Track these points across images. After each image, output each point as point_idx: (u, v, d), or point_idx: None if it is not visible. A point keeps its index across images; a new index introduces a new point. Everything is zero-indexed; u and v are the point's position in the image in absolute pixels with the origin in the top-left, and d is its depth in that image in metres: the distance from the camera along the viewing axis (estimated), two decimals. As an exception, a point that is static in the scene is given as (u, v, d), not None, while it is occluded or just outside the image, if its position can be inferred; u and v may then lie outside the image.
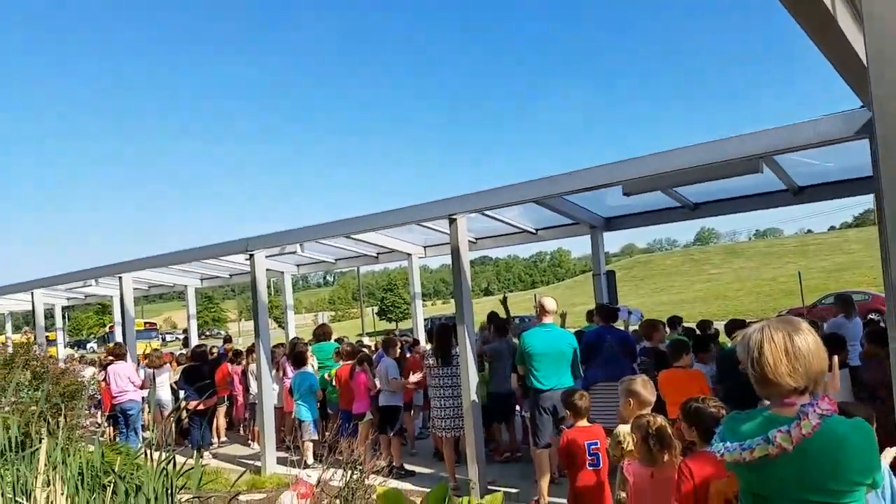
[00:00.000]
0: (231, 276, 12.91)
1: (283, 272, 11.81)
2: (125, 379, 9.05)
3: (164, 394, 9.76)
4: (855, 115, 4.13)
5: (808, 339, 1.87)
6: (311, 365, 8.48)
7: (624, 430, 4.00)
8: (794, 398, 1.86)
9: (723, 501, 2.78)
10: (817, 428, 1.76)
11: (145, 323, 39.92)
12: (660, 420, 3.49)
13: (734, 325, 6.14)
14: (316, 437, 8.05)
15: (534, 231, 9.01)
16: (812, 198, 7.31)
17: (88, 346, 51.10)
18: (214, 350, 11.18)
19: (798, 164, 6.19)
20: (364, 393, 7.48)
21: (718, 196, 7.70)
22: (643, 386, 4.08)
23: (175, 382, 9.94)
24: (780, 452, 1.79)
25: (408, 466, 7.33)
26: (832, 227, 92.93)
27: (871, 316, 12.87)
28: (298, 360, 8.24)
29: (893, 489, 2.03)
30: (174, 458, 4.02)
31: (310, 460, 7.82)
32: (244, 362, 10.00)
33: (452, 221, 6.35)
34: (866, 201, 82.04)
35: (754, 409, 2.03)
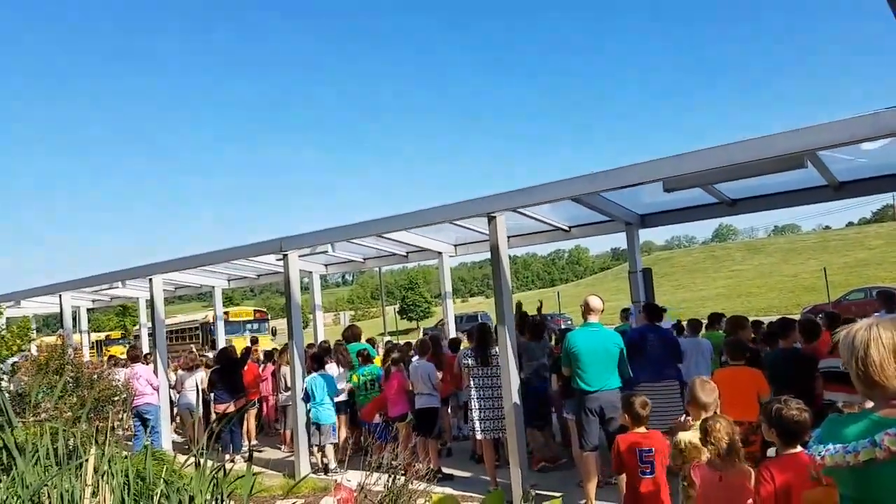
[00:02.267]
0: (259, 276, 12.90)
1: (311, 272, 11.78)
2: (143, 382, 9.03)
3: (193, 397, 9.74)
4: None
5: None
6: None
7: (684, 437, 3.90)
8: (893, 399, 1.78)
9: None
10: None
11: (255, 311, 31.50)
12: (726, 425, 3.39)
13: (785, 324, 5.97)
14: (336, 441, 8.00)
15: (567, 228, 8.88)
16: (851, 193, 7.15)
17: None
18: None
19: (836, 161, 6.03)
20: (401, 394, 7.41)
21: (758, 192, 7.52)
22: (701, 388, 3.99)
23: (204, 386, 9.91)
24: (888, 456, 1.71)
25: (445, 470, 7.24)
26: (850, 223, 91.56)
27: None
28: (318, 361, 8.14)
29: None
30: (224, 467, 3.96)
31: (332, 465, 7.78)
32: (276, 363, 9.98)
33: (491, 219, 6.24)
34: (886, 197, 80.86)
35: (858, 412, 1.94)
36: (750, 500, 3.18)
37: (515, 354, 6.30)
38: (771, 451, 3.49)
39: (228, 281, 13.41)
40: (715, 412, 3.85)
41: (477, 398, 6.59)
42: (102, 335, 42.43)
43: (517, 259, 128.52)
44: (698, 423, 3.75)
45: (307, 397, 7.87)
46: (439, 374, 7.54)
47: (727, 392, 5.08)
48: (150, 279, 10.04)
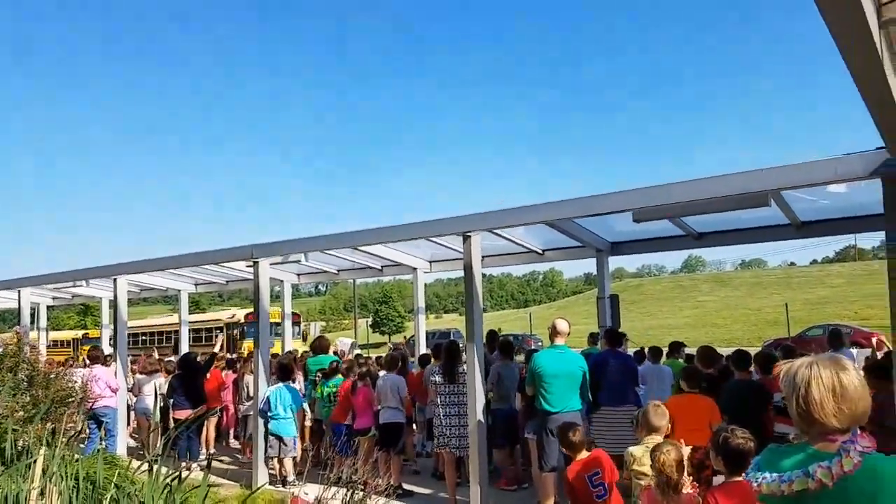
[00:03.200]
0: (227, 282, 12.77)
1: (283, 280, 11.72)
2: (102, 384, 8.86)
3: (151, 402, 9.57)
4: (872, 157, 4.20)
5: (854, 380, 1.86)
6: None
7: (634, 450, 4.00)
8: (835, 435, 1.85)
9: None
10: (859, 466, 1.76)
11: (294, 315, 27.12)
12: (674, 454, 3.48)
13: (741, 356, 6.16)
14: (297, 455, 7.94)
15: (540, 251, 9.01)
16: (813, 233, 7.38)
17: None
18: (201, 359, 11.01)
19: (799, 200, 6.25)
20: (366, 408, 7.41)
21: (724, 227, 7.74)
22: (654, 412, 4.10)
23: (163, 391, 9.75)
24: (819, 487, 1.79)
25: (406, 486, 7.24)
26: (814, 261, 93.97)
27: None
28: (284, 372, 8.07)
29: None
30: (180, 474, 3.91)
31: (290, 477, 7.73)
32: (238, 371, 9.88)
33: (466, 238, 6.35)
34: (849, 238, 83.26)
35: (795, 444, 2.03)
36: None
37: (483, 372, 6.39)
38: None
39: (196, 285, 13.23)
40: (665, 438, 3.97)
41: (442, 415, 6.63)
42: (80, 333, 40.69)
43: (493, 278, 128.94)
44: (648, 439, 3.89)
45: (266, 408, 7.78)
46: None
47: (683, 418, 5.23)
48: (115, 279, 9.89)
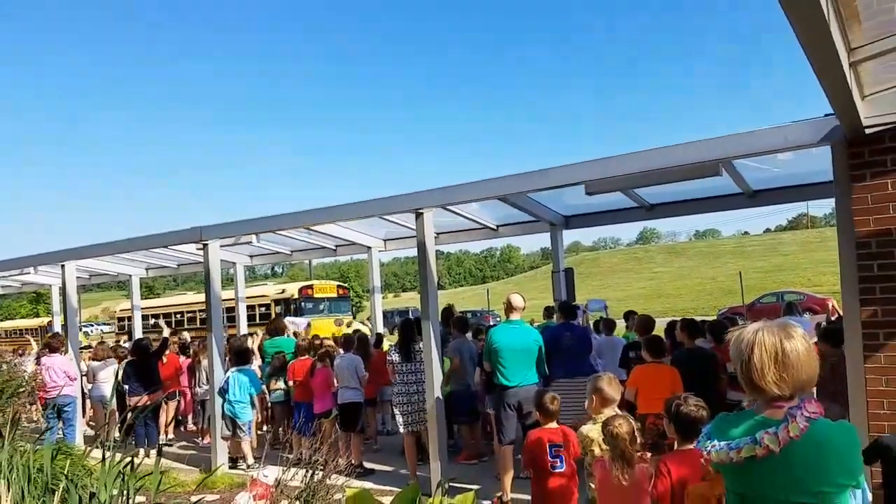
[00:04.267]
0: (179, 265, 12.46)
1: (235, 263, 11.46)
2: (60, 373, 8.65)
3: (107, 389, 9.34)
4: (821, 123, 4.25)
5: (798, 347, 1.86)
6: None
7: (587, 430, 4.03)
8: (782, 402, 1.87)
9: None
10: (805, 431, 1.78)
11: (338, 287, 26.70)
12: (625, 426, 3.51)
13: (692, 325, 6.28)
14: (252, 439, 7.86)
15: (495, 227, 8.99)
16: (764, 201, 7.49)
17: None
18: (155, 343, 10.76)
19: (751, 169, 6.35)
20: (325, 390, 7.34)
21: (675, 198, 7.81)
22: (608, 383, 4.13)
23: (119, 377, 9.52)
24: (766, 454, 1.81)
25: (367, 465, 7.23)
26: (767, 230, 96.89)
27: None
28: (240, 357, 7.95)
29: (864, 491, 2.07)
30: (132, 461, 3.80)
31: (249, 461, 7.64)
32: (193, 356, 9.67)
33: (419, 216, 6.27)
34: (801, 206, 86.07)
35: (744, 411, 2.04)
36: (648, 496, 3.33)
37: (439, 349, 6.37)
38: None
39: (147, 270, 12.89)
40: (617, 410, 4.01)
41: (400, 393, 6.60)
42: (45, 321, 39.10)
43: (450, 256, 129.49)
44: (600, 416, 3.91)
45: (223, 391, 7.67)
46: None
47: (648, 388, 5.32)
48: (63, 265, 9.56)
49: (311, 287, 25.05)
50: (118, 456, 3.84)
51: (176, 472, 7.41)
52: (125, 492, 3.65)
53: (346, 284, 29.41)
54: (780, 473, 1.82)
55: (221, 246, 8.30)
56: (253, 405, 7.76)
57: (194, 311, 26.57)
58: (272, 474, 5.40)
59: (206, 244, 7.84)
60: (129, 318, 25.49)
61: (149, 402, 8.50)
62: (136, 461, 3.98)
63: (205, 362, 9.07)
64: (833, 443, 1.80)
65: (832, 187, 4.37)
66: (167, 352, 9.85)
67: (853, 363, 4.14)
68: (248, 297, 24.62)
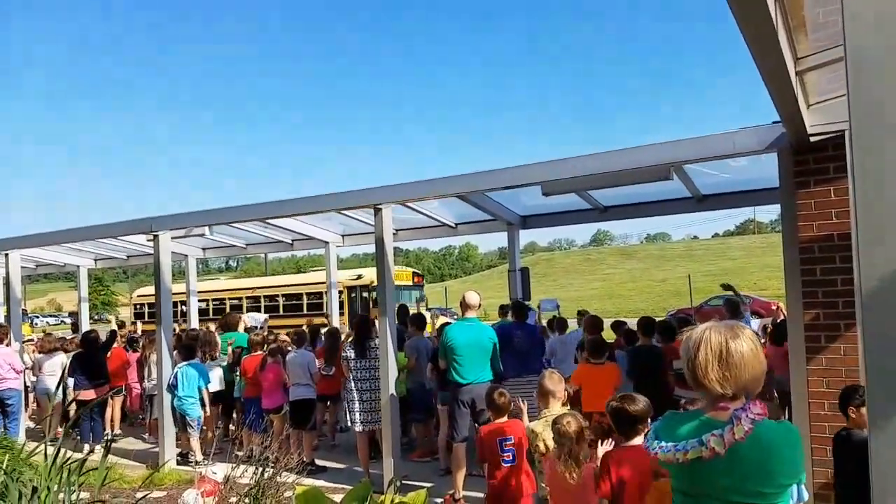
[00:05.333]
0: (128, 257, 12.09)
1: (186, 255, 11.19)
2: (5, 366, 8.33)
3: (52, 382, 9.01)
4: (768, 130, 4.40)
5: (743, 348, 1.89)
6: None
7: (533, 425, 4.08)
8: (727, 402, 1.90)
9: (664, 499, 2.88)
10: (749, 433, 1.81)
11: (414, 275, 24.08)
12: (574, 424, 3.56)
13: (644, 323, 6.47)
14: (199, 434, 7.71)
15: (454, 225, 9.02)
16: (713, 206, 7.71)
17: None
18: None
19: (701, 174, 6.53)
20: (276, 386, 7.22)
21: (627, 201, 7.97)
22: (549, 378, 4.19)
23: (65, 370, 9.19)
24: (712, 455, 1.83)
25: (319, 462, 7.15)
26: (716, 234, 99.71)
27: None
28: (187, 351, 7.79)
29: (801, 490, 2.13)
30: (83, 458, 3.68)
31: (199, 457, 7.49)
32: (141, 350, 9.41)
33: (378, 211, 6.24)
34: (748, 212, 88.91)
35: (691, 410, 2.08)
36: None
37: (395, 346, 6.35)
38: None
39: (95, 261, 12.47)
40: (568, 407, 4.07)
41: (356, 390, 6.55)
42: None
43: (409, 253, 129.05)
44: (546, 411, 3.98)
45: (171, 387, 7.51)
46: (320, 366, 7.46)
47: (591, 386, 5.43)
48: (7, 254, 9.19)
49: None
50: (62, 451, 3.72)
51: (122, 468, 7.22)
52: (68, 488, 3.53)
53: (419, 271, 26.38)
54: (724, 474, 1.85)
55: (173, 238, 8.10)
56: (202, 400, 7.59)
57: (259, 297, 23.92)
58: (221, 471, 5.32)
59: (157, 235, 7.64)
60: (146, 305, 24.04)
61: (95, 397, 8.27)
62: (81, 457, 3.87)
63: (154, 356, 8.84)
64: (777, 444, 1.84)
65: (778, 194, 4.53)
66: (114, 345, 9.59)
67: (796, 365, 4.29)
68: (313, 283, 22.31)
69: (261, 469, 4.85)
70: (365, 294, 21.30)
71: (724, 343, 1.90)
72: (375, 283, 19.61)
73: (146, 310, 24.55)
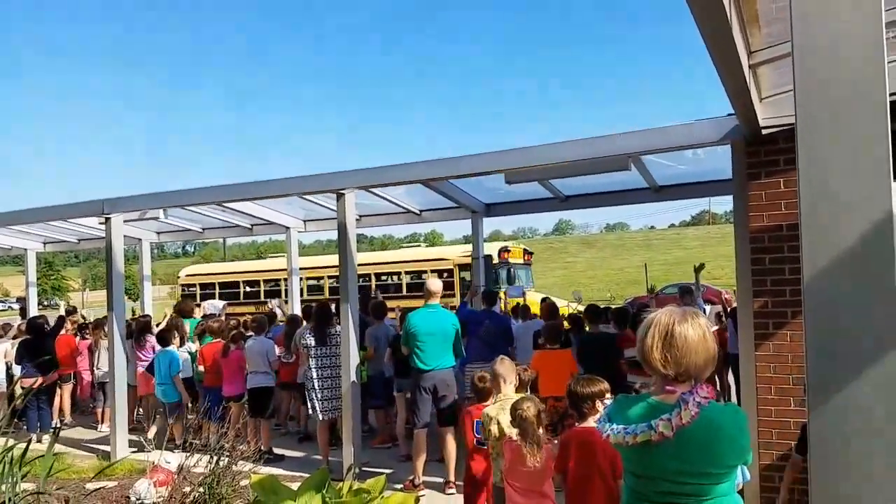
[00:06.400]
0: (79, 240, 11.70)
1: (140, 239, 10.87)
2: None
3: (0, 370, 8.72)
4: (723, 123, 4.50)
5: (688, 332, 1.93)
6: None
7: (489, 411, 4.12)
8: (674, 385, 1.95)
9: None
10: (696, 417, 1.86)
11: (524, 252, 21.16)
12: (532, 409, 3.62)
13: (594, 310, 6.66)
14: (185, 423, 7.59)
15: (418, 212, 8.99)
16: (669, 196, 7.87)
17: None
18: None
19: (658, 165, 6.65)
20: (238, 373, 7.12)
21: (587, 190, 8.08)
22: (500, 363, 4.25)
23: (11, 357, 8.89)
24: (661, 439, 1.89)
25: (277, 450, 7.08)
26: (672, 225, 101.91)
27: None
28: (163, 337, 7.67)
29: (744, 471, 2.21)
30: (26, 445, 3.56)
31: (177, 441, 7.36)
32: (91, 337, 9.16)
33: (340, 196, 6.19)
34: (704, 202, 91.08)
35: (641, 394, 2.13)
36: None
37: (357, 333, 6.33)
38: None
39: (44, 244, 12.06)
40: (523, 393, 4.13)
41: (316, 378, 6.50)
42: None
43: (374, 240, 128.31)
44: (500, 395, 4.04)
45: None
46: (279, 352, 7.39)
47: (548, 371, 5.52)
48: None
49: (507, 250, 19.77)
50: (4, 440, 3.61)
51: (71, 458, 7.04)
52: (11, 479, 3.42)
53: (530, 249, 22.61)
54: (673, 456, 1.90)
55: (126, 221, 7.88)
56: (175, 387, 7.48)
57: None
58: (175, 460, 5.23)
59: (109, 218, 7.41)
60: (198, 286, 21.91)
61: (43, 385, 8.04)
62: (27, 446, 3.75)
63: (104, 342, 8.61)
64: (723, 427, 1.90)
65: (731, 185, 4.65)
66: (63, 332, 9.32)
67: (745, 351, 4.43)
68: (413, 261, 20.07)
69: (216, 458, 4.79)
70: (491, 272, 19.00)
71: (671, 325, 1.95)
72: (497, 261, 17.23)
73: (198, 290, 22.37)
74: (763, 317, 4.32)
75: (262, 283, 21.68)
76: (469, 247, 18.28)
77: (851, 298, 1.35)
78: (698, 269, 8.87)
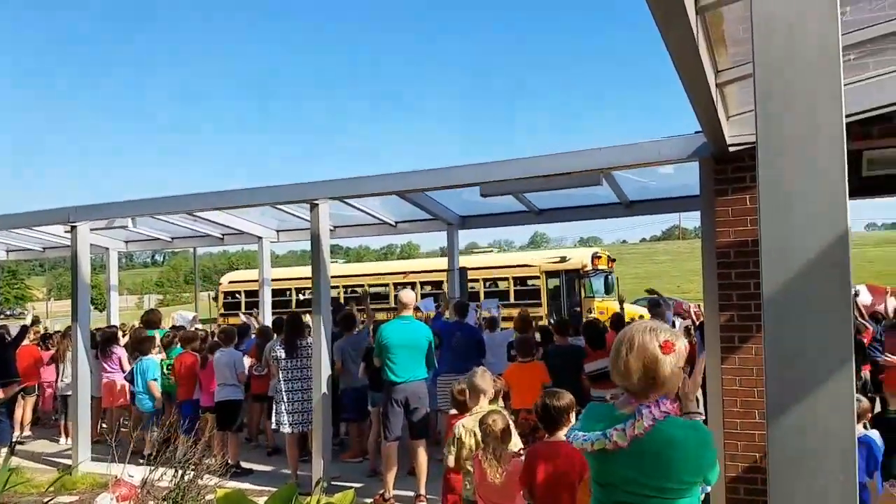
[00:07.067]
0: (44, 248, 11.44)
1: (108, 248, 10.66)
2: None
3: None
4: (692, 140, 4.59)
5: (649, 345, 1.93)
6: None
7: (465, 422, 4.11)
8: (635, 397, 1.97)
9: None
10: (649, 430, 1.87)
11: (609, 259, 20.01)
12: (500, 423, 3.61)
13: (562, 323, 6.74)
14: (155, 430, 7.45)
15: (393, 224, 8.97)
16: (640, 211, 8.01)
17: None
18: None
19: (628, 181, 6.75)
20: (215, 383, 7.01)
21: (561, 204, 8.18)
22: (480, 377, 4.24)
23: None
24: (616, 448, 1.90)
25: (245, 464, 6.96)
26: (644, 239, 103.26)
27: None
28: (142, 347, 7.58)
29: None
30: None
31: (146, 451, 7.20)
32: (58, 347, 8.94)
33: (314, 207, 6.15)
34: (674, 218, 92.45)
35: (608, 403, 2.14)
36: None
37: (329, 346, 6.27)
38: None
39: (7, 252, 11.77)
40: (502, 404, 4.13)
41: (285, 391, 6.41)
42: None
43: (350, 251, 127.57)
44: (475, 408, 4.03)
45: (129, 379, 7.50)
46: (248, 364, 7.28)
47: (520, 385, 5.53)
48: None
49: (599, 256, 18.53)
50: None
51: (30, 471, 6.86)
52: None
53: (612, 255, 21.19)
54: (629, 467, 1.92)
55: (93, 229, 7.74)
56: (151, 395, 7.37)
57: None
58: (138, 474, 5.11)
59: (76, 226, 7.28)
60: (242, 293, 19.50)
61: (2, 397, 7.80)
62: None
63: (68, 355, 8.41)
64: (679, 442, 1.89)
65: (699, 200, 4.73)
66: (25, 342, 9.06)
67: (711, 365, 4.49)
68: (491, 268, 18.19)
69: (181, 472, 4.69)
70: (574, 280, 17.37)
71: (636, 338, 1.96)
72: (590, 268, 16.92)
73: (243, 298, 20.14)
74: (729, 330, 4.39)
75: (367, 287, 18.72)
76: (558, 252, 18.79)
77: (809, 314, 1.38)
78: (651, 293, 8.99)
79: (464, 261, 19.46)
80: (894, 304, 7.69)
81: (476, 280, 17.15)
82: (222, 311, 21.47)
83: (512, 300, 16.79)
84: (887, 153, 4.50)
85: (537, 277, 17.22)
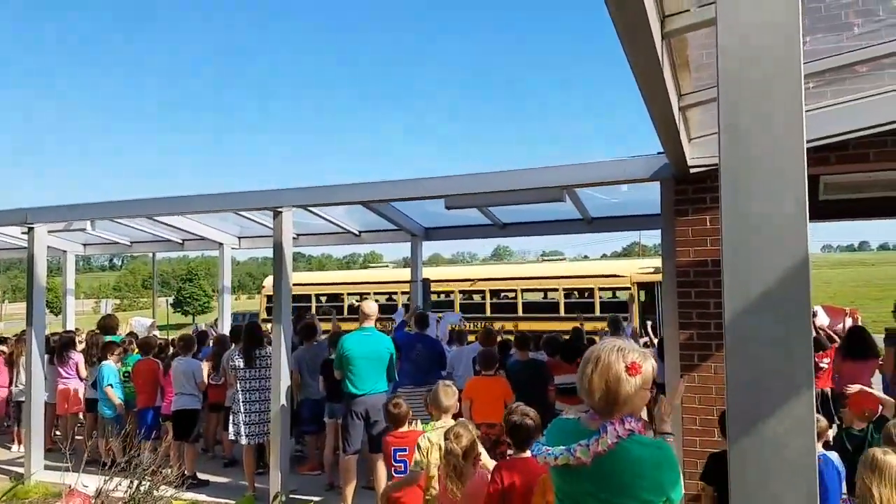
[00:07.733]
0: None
1: (65, 251, 10.34)
2: None
3: None
4: (654, 161, 4.69)
5: (612, 366, 1.95)
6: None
7: (430, 436, 4.07)
8: (600, 415, 1.99)
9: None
10: (612, 447, 1.89)
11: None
12: (464, 439, 3.58)
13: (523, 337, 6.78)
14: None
15: (357, 233, 8.93)
16: (601, 228, 8.15)
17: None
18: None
19: (590, 198, 6.86)
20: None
21: (524, 219, 8.27)
22: (443, 392, 4.21)
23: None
24: (579, 464, 1.92)
25: (201, 475, 6.78)
26: (604, 255, 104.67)
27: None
28: (104, 352, 7.37)
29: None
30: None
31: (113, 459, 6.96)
32: (13, 350, 8.62)
33: (277, 214, 6.08)
34: (634, 235, 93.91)
35: (573, 419, 2.15)
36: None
37: (289, 356, 6.17)
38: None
39: (-39, 253, 11.32)
40: (457, 419, 4.10)
41: (242, 401, 6.28)
42: None
43: (312, 259, 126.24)
44: (438, 423, 4.00)
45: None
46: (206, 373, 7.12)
47: (481, 398, 5.54)
48: None
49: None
50: None
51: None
52: None
53: None
54: (591, 482, 1.94)
55: (50, 231, 7.52)
56: (109, 400, 7.15)
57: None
58: (92, 484, 4.94)
59: (33, 228, 7.06)
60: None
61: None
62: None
63: (23, 359, 8.11)
64: (639, 459, 1.91)
65: (660, 220, 4.83)
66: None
67: (671, 382, 4.57)
68: (571, 277, 16.51)
69: (137, 481, 4.56)
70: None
71: (602, 357, 1.99)
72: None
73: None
74: (689, 349, 4.47)
75: (371, 296, 17.44)
76: (651, 262, 16.07)
77: (770, 336, 1.41)
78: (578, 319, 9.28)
79: (539, 269, 18.18)
80: (851, 324, 7.96)
81: (555, 290, 16.58)
82: (264, 316, 19.32)
83: (597, 313, 14.87)
84: (843, 179, 4.67)
85: (629, 289, 15.57)
